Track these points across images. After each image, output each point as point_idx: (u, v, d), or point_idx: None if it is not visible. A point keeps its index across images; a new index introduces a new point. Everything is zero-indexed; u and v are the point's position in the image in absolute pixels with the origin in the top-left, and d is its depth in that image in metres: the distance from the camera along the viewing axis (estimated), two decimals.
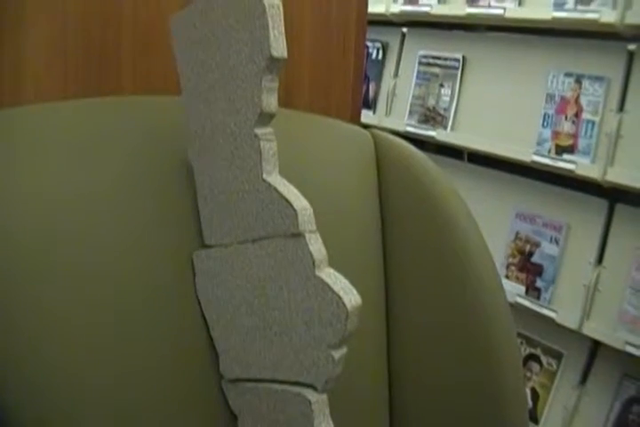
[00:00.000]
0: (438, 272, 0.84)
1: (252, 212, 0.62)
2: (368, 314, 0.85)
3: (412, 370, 0.86)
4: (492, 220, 1.85)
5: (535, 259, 1.93)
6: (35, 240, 0.60)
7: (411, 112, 2.33)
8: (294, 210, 0.59)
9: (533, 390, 1.94)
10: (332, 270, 0.59)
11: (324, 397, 0.61)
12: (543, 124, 1.90)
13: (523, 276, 1.96)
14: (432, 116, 2.25)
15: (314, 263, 0.58)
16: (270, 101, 0.61)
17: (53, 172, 0.64)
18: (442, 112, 2.22)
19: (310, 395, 0.60)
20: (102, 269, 0.63)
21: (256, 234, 0.63)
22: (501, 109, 2.01)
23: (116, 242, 0.64)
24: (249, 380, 0.65)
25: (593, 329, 1.77)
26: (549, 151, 1.87)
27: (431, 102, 2.26)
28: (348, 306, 0.57)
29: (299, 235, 0.59)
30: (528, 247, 1.96)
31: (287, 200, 0.59)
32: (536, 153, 1.87)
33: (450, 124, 2.18)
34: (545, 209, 1.93)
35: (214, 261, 0.66)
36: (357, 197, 0.86)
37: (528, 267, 1.94)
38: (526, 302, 1.91)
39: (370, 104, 2.51)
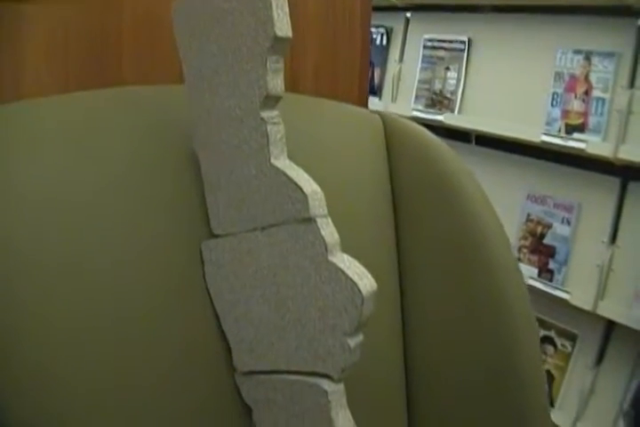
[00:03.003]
0: (453, 255, 0.82)
1: (261, 198, 0.61)
2: (382, 300, 0.83)
3: (429, 356, 0.84)
4: (503, 202, 1.82)
5: (547, 240, 1.92)
6: (36, 237, 0.58)
7: (417, 97, 2.32)
8: (304, 194, 0.57)
9: (548, 373, 1.93)
10: (345, 255, 0.58)
11: (341, 386, 0.59)
12: (552, 104, 1.88)
13: (535, 258, 1.94)
14: (439, 100, 2.23)
15: (326, 248, 0.57)
16: (276, 83, 0.59)
17: (55, 166, 0.62)
18: (448, 95, 2.20)
19: (326, 385, 0.59)
20: (106, 264, 0.61)
21: (265, 221, 0.61)
22: (509, 90, 1.99)
23: (120, 236, 0.62)
24: (263, 372, 0.64)
25: (607, 309, 1.75)
26: (559, 131, 1.85)
27: (437, 86, 2.24)
28: (364, 291, 0.55)
29: (310, 220, 0.57)
30: (540, 229, 1.94)
31: (296, 184, 0.58)
32: (546, 133, 1.85)
33: (457, 107, 2.17)
34: (556, 190, 1.91)
35: (223, 251, 0.65)
36: (368, 180, 0.85)
37: (540, 249, 1.93)
38: (539, 284, 1.89)
39: (375, 90, 2.49)
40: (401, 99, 2.36)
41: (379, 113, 0.92)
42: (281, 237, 0.60)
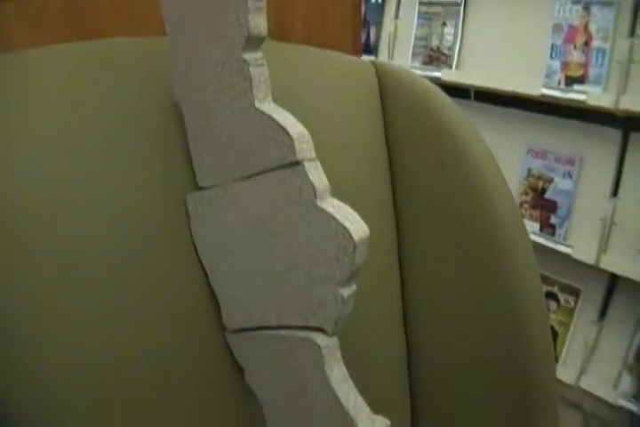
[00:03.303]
0: (454, 209, 0.79)
1: (246, 145, 0.58)
2: (379, 253, 0.82)
3: (429, 317, 0.82)
4: (503, 158, 1.77)
5: (549, 195, 1.90)
6: (20, 187, 0.56)
7: (414, 54, 2.28)
8: (290, 137, 0.55)
9: (552, 329, 1.91)
10: (335, 200, 0.55)
11: (335, 340, 0.57)
12: (551, 56, 1.84)
13: (536, 213, 1.92)
14: (436, 57, 2.19)
15: (315, 193, 0.54)
16: (258, 22, 0.56)
17: (38, 120, 0.60)
18: (446, 51, 2.16)
19: (319, 339, 0.56)
20: (90, 217, 0.59)
21: (251, 169, 0.59)
22: (507, 44, 1.95)
23: (104, 189, 0.60)
24: (253, 329, 0.62)
25: (611, 263, 1.73)
26: (559, 83, 1.81)
27: (434, 42, 2.20)
28: (355, 237, 0.53)
29: (297, 164, 0.55)
30: (541, 184, 1.92)
31: (282, 127, 0.55)
32: (545, 86, 1.82)
33: (454, 63, 2.13)
34: (557, 144, 1.88)
35: (209, 204, 0.62)
36: (361, 130, 0.82)
37: (542, 204, 1.91)
38: (541, 240, 1.87)
39: (372, 49, 2.45)
40: (398, 56, 2.33)
41: (372, 61, 0.89)
42: (267, 184, 0.57)
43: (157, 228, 0.62)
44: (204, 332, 0.64)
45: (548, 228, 1.89)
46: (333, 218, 0.53)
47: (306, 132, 0.56)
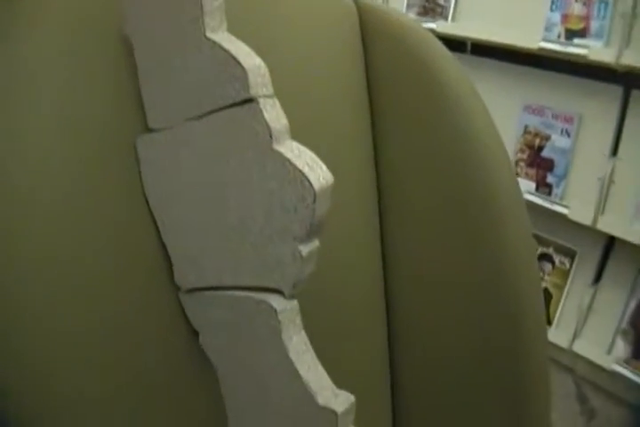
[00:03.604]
0: (437, 156, 0.73)
1: (197, 80, 0.51)
2: (358, 209, 0.75)
3: (412, 279, 0.77)
4: (499, 114, 1.71)
5: (545, 153, 1.84)
6: None
7: (409, 5, 2.20)
8: (243, 69, 0.48)
9: (546, 291, 1.89)
10: (295, 143, 0.48)
11: (294, 304, 0.50)
12: (552, 8, 1.76)
13: (532, 172, 1.87)
14: (431, 8, 2.11)
15: (271, 135, 0.47)
16: None
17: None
18: (441, 2, 2.08)
19: (276, 302, 0.50)
20: (39, 166, 0.52)
21: (203, 108, 0.52)
22: None
23: (50, 129, 0.54)
24: (207, 288, 0.56)
25: (608, 224, 1.68)
26: (559, 36, 1.74)
27: None
28: (316, 185, 0.46)
29: (251, 100, 0.48)
30: (538, 141, 1.86)
31: (234, 58, 0.48)
32: (544, 39, 1.74)
33: (450, 14, 2.05)
34: (555, 100, 1.81)
35: (159, 147, 0.55)
36: (340, 71, 0.75)
37: (538, 162, 1.85)
38: (537, 199, 1.82)
39: None
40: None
41: (354, 0, 0.82)
42: (219, 124, 0.51)
43: (109, 176, 0.56)
44: (159, 291, 0.58)
45: (544, 187, 1.84)
46: (291, 163, 0.46)
47: (262, 64, 0.49)
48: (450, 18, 2.04)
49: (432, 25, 2.02)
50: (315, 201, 0.46)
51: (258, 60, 0.49)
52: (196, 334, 0.59)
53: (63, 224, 0.52)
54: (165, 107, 0.55)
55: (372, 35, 0.78)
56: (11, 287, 0.50)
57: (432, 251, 0.75)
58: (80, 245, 0.53)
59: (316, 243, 0.49)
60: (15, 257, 0.50)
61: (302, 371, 0.49)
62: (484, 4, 1.94)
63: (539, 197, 1.82)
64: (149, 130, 0.57)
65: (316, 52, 0.74)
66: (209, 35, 0.50)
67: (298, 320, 0.51)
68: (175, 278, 0.58)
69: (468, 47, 2.06)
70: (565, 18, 1.74)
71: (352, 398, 0.49)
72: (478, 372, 0.74)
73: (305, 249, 0.48)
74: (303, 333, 0.51)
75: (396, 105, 0.76)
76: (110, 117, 0.57)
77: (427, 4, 2.12)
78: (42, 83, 0.54)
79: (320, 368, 0.50)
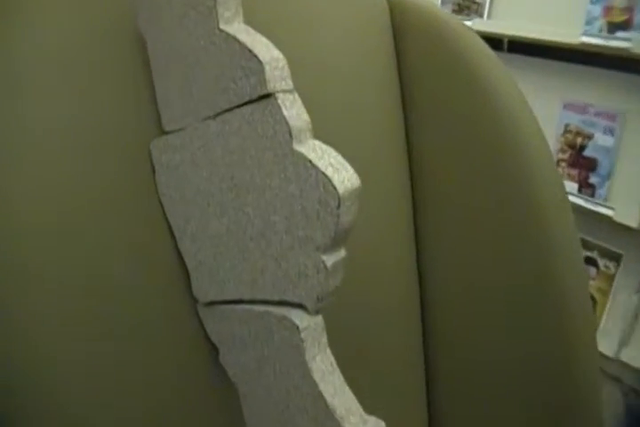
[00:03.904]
0: (478, 158, 0.69)
1: (212, 76, 0.47)
2: (390, 208, 0.71)
3: (449, 289, 0.73)
4: (538, 113, 1.67)
5: (588, 152, 1.78)
6: None
7: (443, 2, 2.17)
8: (260, 62, 0.43)
9: (590, 296, 1.81)
10: (318, 142, 0.44)
11: (319, 320, 0.46)
12: (592, 1, 1.71)
13: (574, 172, 1.81)
14: (466, 5, 2.07)
15: (290, 134, 0.43)
16: None
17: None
18: None
19: (299, 318, 0.45)
20: (53, 174, 0.49)
21: (218, 106, 0.47)
22: None
23: (63, 135, 0.50)
24: (226, 302, 0.51)
25: None
26: (600, 30, 1.69)
27: None
28: (340, 188, 0.41)
29: (268, 96, 0.44)
30: (579, 140, 1.80)
31: (250, 51, 0.44)
32: (585, 33, 1.68)
33: (486, 11, 2.01)
34: (597, 97, 1.76)
35: (174, 150, 0.51)
36: (371, 67, 0.72)
37: (580, 162, 1.79)
38: (579, 201, 1.76)
39: None
40: None
41: None
42: (236, 123, 0.46)
43: (124, 181, 0.52)
44: (177, 302, 0.54)
45: (587, 188, 1.78)
46: (312, 164, 0.42)
47: (281, 57, 0.44)
48: (486, 15, 2.00)
49: (468, 22, 1.97)
50: (339, 206, 0.41)
51: (276, 53, 0.44)
52: (216, 349, 0.55)
53: (75, 231, 0.49)
54: (180, 106, 0.51)
55: (404, 28, 0.74)
56: (25, 297, 0.46)
57: (471, 252, 0.71)
58: (94, 253, 0.50)
59: (341, 253, 0.44)
60: (25, 266, 0.47)
61: (327, 394, 0.44)
62: (521, 1, 1.90)
63: (581, 198, 1.77)
64: (164, 133, 0.53)
65: (345, 47, 0.70)
66: (222, 26, 0.46)
67: (323, 338, 0.46)
68: (193, 290, 0.54)
69: (505, 45, 2.00)
70: (607, 10, 1.69)
71: (382, 424, 0.45)
72: (523, 382, 0.69)
73: (329, 260, 0.43)
74: (329, 352, 0.46)
75: (431, 100, 0.73)
76: (122, 120, 0.54)
77: (462, 1, 2.07)
78: (45, 83, 0.50)
79: (347, 391, 0.45)
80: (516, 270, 0.68)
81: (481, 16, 2.00)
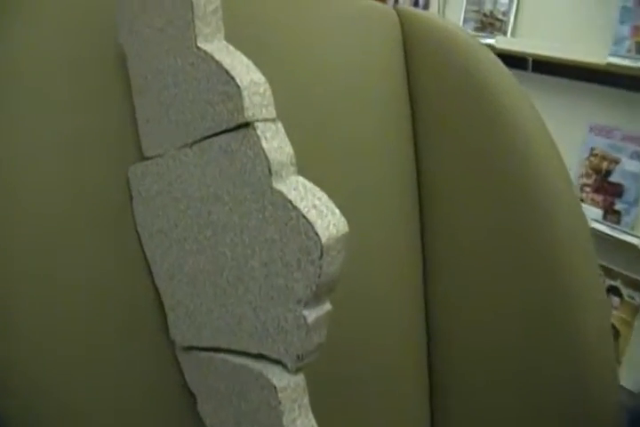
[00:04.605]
0: (489, 176, 0.65)
1: (189, 98, 0.42)
2: (397, 225, 0.68)
3: (452, 289, 0.70)
4: (562, 135, 1.62)
5: (614, 178, 1.72)
6: None
7: (465, 20, 2.12)
8: (237, 86, 0.38)
9: (613, 327, 1.75)
10: (300, 179, 0.38)
11: (299, 380, 0.40)
12: (621, 20, 1.66)
13: (599, 198, 1.75)
14: (490, 22, 2.02)
15: (270, 169, 0.37)
16: None
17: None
18: (500, 16, 1.99)
19: (277, 377, 0.40)
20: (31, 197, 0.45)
21: (196, 132, 0.42)
22: (570, 7, 1.78)
23: (44, 156, 0.46)
24: (204, 348, 0.46)
25: None
26: (629, 51, 1.63)
27: (488, 7, 2.04)
28: (324, 236, 0.35)
29: (246, 125, 0.38)
30: (605, 165, 1.74)
31: (227, 72, 0.38)
32: (612, 54, 1.63)
33: (510, 29, 1.96)
34: (624, 120, 1.70)
35: (151, 178, 0.46)
36: (378, 81, 0.68)
37: (605, 187, 1.73)
38: (604, 228, 1.70)
39: None
40: None
41: (394, 8, 0.74)
42: (213, 154, 0.41)
43: (102, 209, 0.48)
44: (155, 343, 0.49)
45: (612, 214, 1.72)
46: (293, 206, 0.36)
47: (263, 80, 0.39)
48: (509, 33, 1.95)
49: (490, 40, 1.92)
50: (322, 256, 0.36)
51: (257, 76, 0.39)
52: (194, 396, 0.49)
53: (50, 260, 0.45)
54: (158, 130, 0.46)
55: (415, 42, 0.71)
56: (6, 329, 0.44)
57: (480, 277, 0.67)
58: (67, 283, 0.46)
59: (325, 306, 0.38)
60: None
61: None
62: (546, 18, 1.85)
63: (606, 225, 1.71)
64: (144, 158, 0.48)
65: (354, 62, 0.67)
66: (201, 44, 0.41)
67: (304, 400, 0.40)
68: (170, 332, 0.48)
69: (530, 64, 1.95)
70: (636, 30, 1.64)
71: None
72: (534, 397, 0.65)
73: (311, 315, 0.37)
74: (310, 415, 0.40)
75: (441, 118, 0.70)
76: (103, 144, 0.49)
77: (484, 18, 2.02)
78: (39, 85, 0.47)
79: None
80: (529, 294, 0.64)
81: (504, 34, 1.95)
